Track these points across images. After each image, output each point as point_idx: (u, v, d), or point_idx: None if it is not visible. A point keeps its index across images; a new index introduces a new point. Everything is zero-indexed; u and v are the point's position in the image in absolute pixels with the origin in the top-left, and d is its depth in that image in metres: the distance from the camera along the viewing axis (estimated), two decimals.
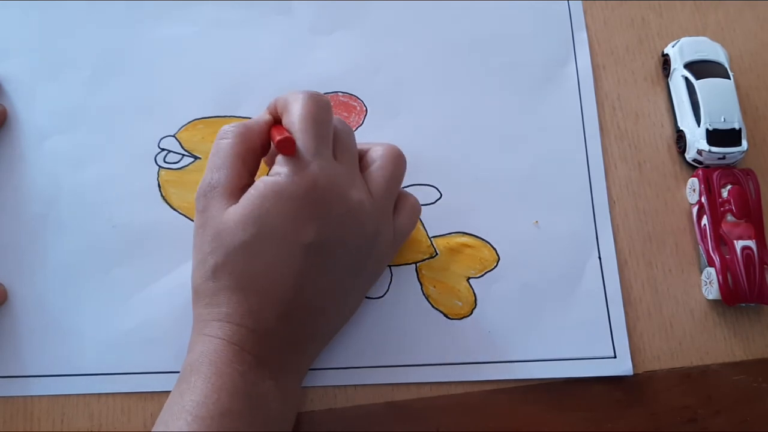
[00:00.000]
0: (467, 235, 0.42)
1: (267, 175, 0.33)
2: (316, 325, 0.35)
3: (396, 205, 0.37)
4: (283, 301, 0.32)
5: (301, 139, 0.33)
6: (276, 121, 0.36)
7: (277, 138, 0.32)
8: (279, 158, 0.33)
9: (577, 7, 0.48)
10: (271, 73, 0.45)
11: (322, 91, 0.44)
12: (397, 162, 0.37)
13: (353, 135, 0.37)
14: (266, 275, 0.32)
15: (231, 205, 0.33)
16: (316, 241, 0.32)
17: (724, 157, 0.42)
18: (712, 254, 0.41)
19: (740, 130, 0.42)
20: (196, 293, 0.34)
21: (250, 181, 0.34)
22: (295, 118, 0.33)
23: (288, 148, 0.32)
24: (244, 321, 0.32)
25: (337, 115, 0.44)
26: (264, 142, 0.36)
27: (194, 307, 0.34)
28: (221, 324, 0.32)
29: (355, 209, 0.33)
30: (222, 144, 0.35)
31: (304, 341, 0.35)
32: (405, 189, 0.43)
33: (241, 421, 0.30)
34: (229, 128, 0.35)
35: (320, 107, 0.34)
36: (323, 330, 0.36)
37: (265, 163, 0.38)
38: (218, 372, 0.31)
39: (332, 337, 0.37)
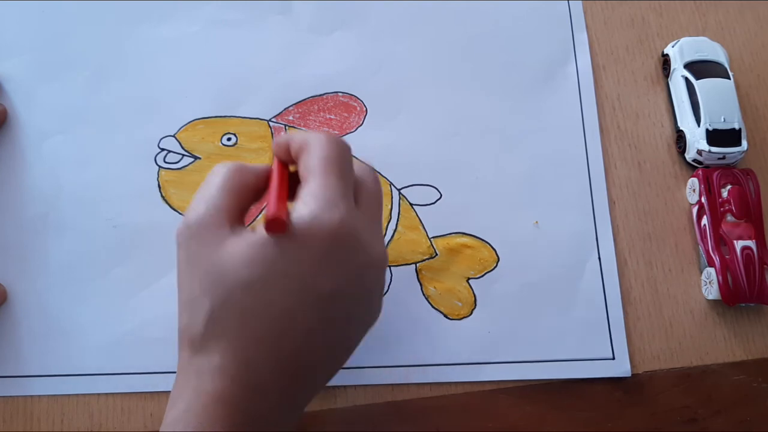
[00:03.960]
0: (467, 236, 0.42)
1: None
2: (316, 376, 0.32)
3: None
4: (286, 353, 0.29)
5: (325, 182, 0.29)
6: (283, 161, 0.33)
7: (269, 214, 0.28)
8: (302, 196, 0.29)
9: (577, 7, 0.48)
10: (271, 73, 0.45)
11: (322, 92, 0.44)
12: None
13: (378, 182, 0.33)
14: (271, 322, 0.29)
15: (225, 237, 0.29)
16: (333, 293, 0.29)
17: (724, 157, 0.42)
18: (712, 254, 0.41)
19: (740, 130, 0.42)
20: (184, 337, 0.30)
21: (239, 219, 0.31)
22: (316, 159, 0.30)
23: (276, 228, 0.28)
24: (239, 375, 0.29)
25: (339, 114, 0.44)
26: (259, 185, 0.32)
27: (181, 350, 0.30)
28: (212, 377, 0.28)
29: (376, 263, 0.31)
30: (213, 177, 0.31)
31: (301, 394, 0.31)
32: (406, 187, 0.43)
33: None
34: (222, 164, 0.32)
35: (341, 150, 0.31)
36: (322, 380, 0.33)
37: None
38: None
39: (327, 383, 0.33)
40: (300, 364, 0.30)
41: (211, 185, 0.31)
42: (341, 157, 0.31)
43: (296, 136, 0.32)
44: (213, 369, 0.29)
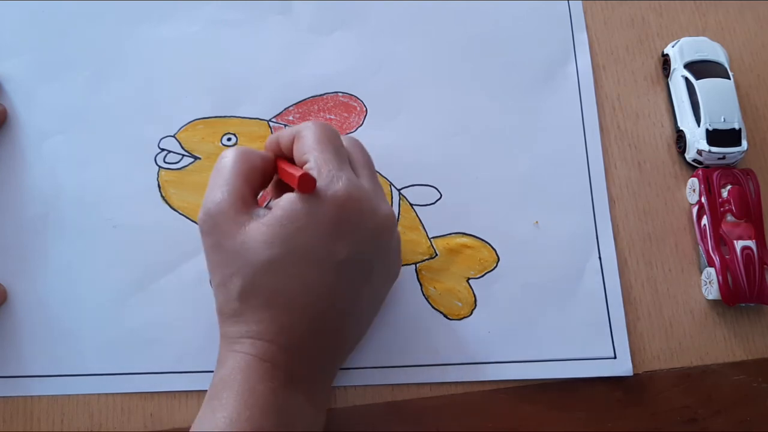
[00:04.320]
0: (467, 236, 0.42)
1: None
2: (347, 334, 0.35)
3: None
4: (316, 317, 0.32)
5: (324, 158, 0.32)
6: (277, 156, 0.36)
7: (298, 174, 0.31)
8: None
9: (577, 7, 0.48)
10: (271, 73, 0.45)
11: (322, 92, 0.45)
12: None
13: (365, 150, 0.37)
14: (298, 292, 0.31)
15: (245, 222, 0.32)
16: (349, 257, 0.32)
17: (724, 157, 0.42)
18: (712, 254, 0.41)
19: (740, 130, 0.42)
20: (222, 313, 0.33)
21: (254, 201, 0.33)
22: (311, 141, 0.33)
23: (308, 185, 0.31)
24: (276, 338, 0.31)
25: (339, 114, 0.44)
26: (266, 168, 0.35)
27: (221, 325, 0.33)
28: (252, 341, 0.31)
29: (384, 222, 0.33)
30: (223, 163, 0.34)
31: (335, 352, 0.34)
32: (406, 187, 0.43)
33: None
34: (229, 150, 0.34)
35: (331, 131, 0.34)
36: (354, 337, 0.36)
37: (271, 194, 0.38)
38: (250, 389, 0.30)
39: (360, 341, 0.37)
40: (329, 325, 0.33)
41: (223, 171, 0.33)
42: (332, 135, 0.34)
43: (284, 131, 0.35)
44: (252, 334, 0.31)
